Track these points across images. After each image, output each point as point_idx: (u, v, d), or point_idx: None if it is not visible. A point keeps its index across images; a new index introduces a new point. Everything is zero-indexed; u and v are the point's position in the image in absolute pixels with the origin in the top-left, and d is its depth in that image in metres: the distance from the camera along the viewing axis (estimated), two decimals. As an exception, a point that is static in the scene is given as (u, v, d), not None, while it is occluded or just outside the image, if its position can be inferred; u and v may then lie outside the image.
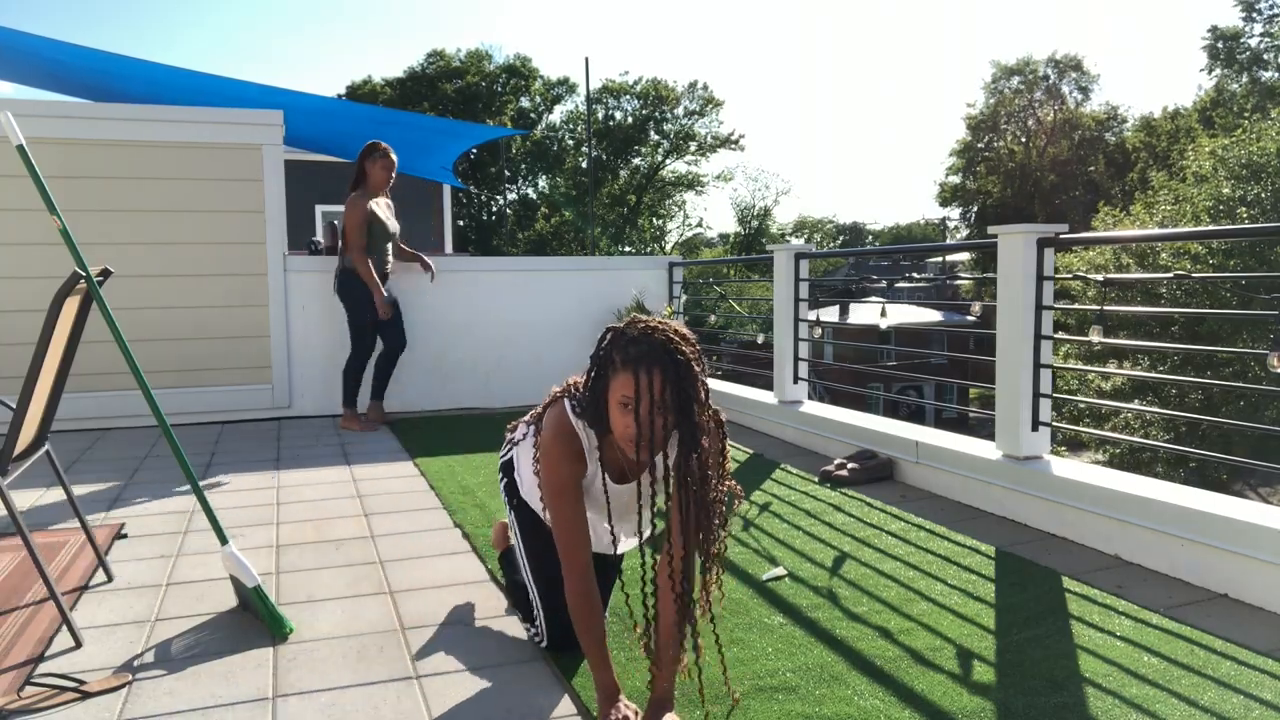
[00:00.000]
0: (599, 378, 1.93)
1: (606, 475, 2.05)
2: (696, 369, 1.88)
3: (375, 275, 5.27)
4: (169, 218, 5.66)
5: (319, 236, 9.41)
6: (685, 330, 1.93)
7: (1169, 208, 18.66)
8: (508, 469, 2.45)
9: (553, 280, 6.60)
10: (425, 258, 5.77)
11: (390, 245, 5.49)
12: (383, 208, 5.38)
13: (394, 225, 5.49)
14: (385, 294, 5.34)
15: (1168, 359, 15.03)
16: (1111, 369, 15.46)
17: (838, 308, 24.82)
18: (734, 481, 2.02)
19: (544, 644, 2.28)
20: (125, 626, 2.49)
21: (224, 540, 2.54)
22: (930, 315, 28.16)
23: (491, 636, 2.42)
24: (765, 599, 2.66)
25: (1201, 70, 36.95)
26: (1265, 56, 29.59)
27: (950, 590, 2.72)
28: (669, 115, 37.84)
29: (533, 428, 2.29)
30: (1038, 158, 37.90)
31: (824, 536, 3.24)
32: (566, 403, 2.07)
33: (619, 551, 2.23)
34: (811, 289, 5.38)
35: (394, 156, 5.40)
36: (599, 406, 1.93)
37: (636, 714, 1.89)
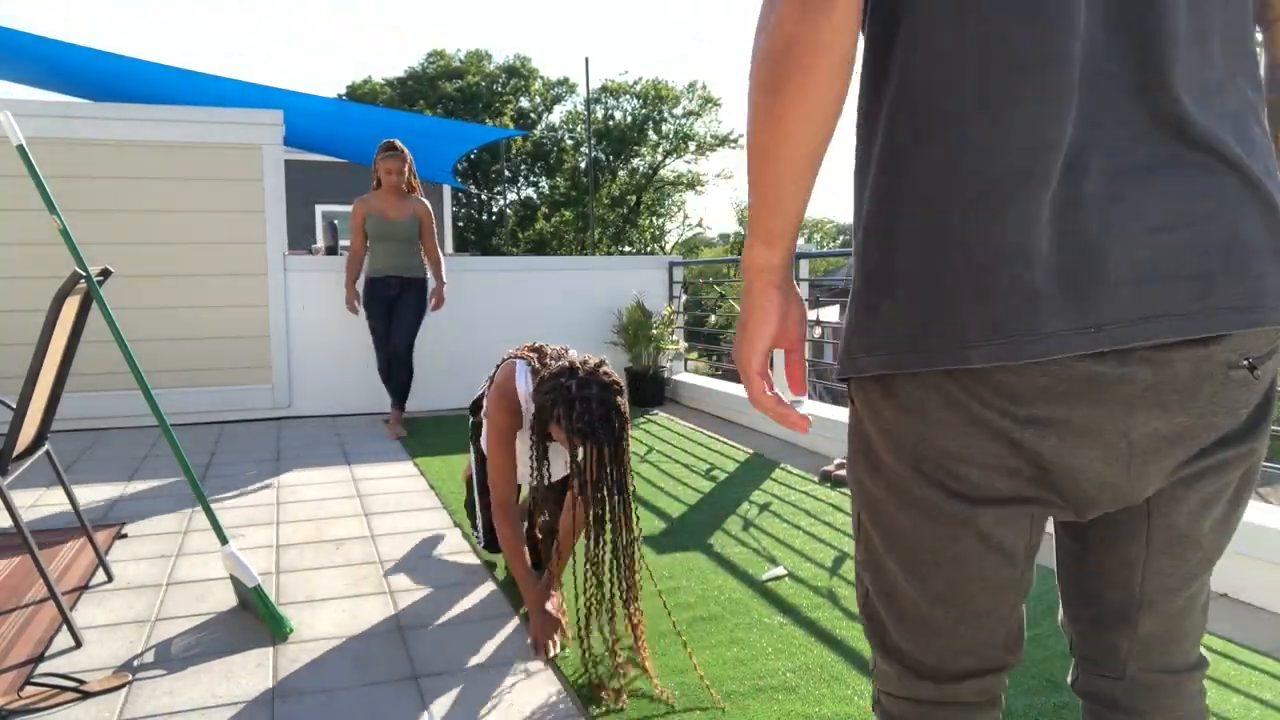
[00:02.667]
0: (541, 417, 2.27)
1: (535, 434, 2.34)
2: (627, 420, 2.25)
3: (352, 272, 5.18)
4: (169, 218, 5.66)
5: (319, 240, 9.41)
6: (615, 376, 2.31)
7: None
8: (476, 409, 2.87)
9: (553, 280, 6.60)
10: (443, 282, 5.33)
11: (393, 244, 5.14)
12: (390, 204, 5.13)
13: (398, 224, 5.12)
14: (379, 292, 5.15)
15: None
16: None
17: (838, 308, 24.83)
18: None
19: (483, 545, 2.93)
20: (125, 626, 2.49)
21: (224, 540, 2.54)
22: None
23: (491, 636, 2.42)
24: (765, 599, 2.66)
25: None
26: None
27: (950, 590, 2.71)
28: (668, 115, 37.88)
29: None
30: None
31: (824, 536, 3.24)
32: (518, 364, 2.52)
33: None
34: (811, 289, 5.38)
35: (401, 153, 5.15)
36: (542, 428, 2.30)
37: (562, 618, 2.42)
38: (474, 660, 2.27)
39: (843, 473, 4.04)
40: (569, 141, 36.50)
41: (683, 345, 6.93)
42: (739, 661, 2.24)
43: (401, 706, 2.04)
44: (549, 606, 2.44)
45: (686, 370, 7.21)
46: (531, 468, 2.32)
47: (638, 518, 2.27)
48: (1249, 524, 2.60)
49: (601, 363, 2.34)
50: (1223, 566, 2.66)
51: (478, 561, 3.01)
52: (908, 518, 0.92)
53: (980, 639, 0.96)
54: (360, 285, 5.26)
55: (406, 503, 3.78)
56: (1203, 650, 1.03)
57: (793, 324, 0.97)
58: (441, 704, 2.05)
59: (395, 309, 5.22)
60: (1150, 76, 0.81)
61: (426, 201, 5.28)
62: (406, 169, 5.16)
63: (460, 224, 32.22)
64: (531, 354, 2.54)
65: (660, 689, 2.10)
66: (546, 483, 2.35)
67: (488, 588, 2.78)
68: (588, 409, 2.18)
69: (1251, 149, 0.84)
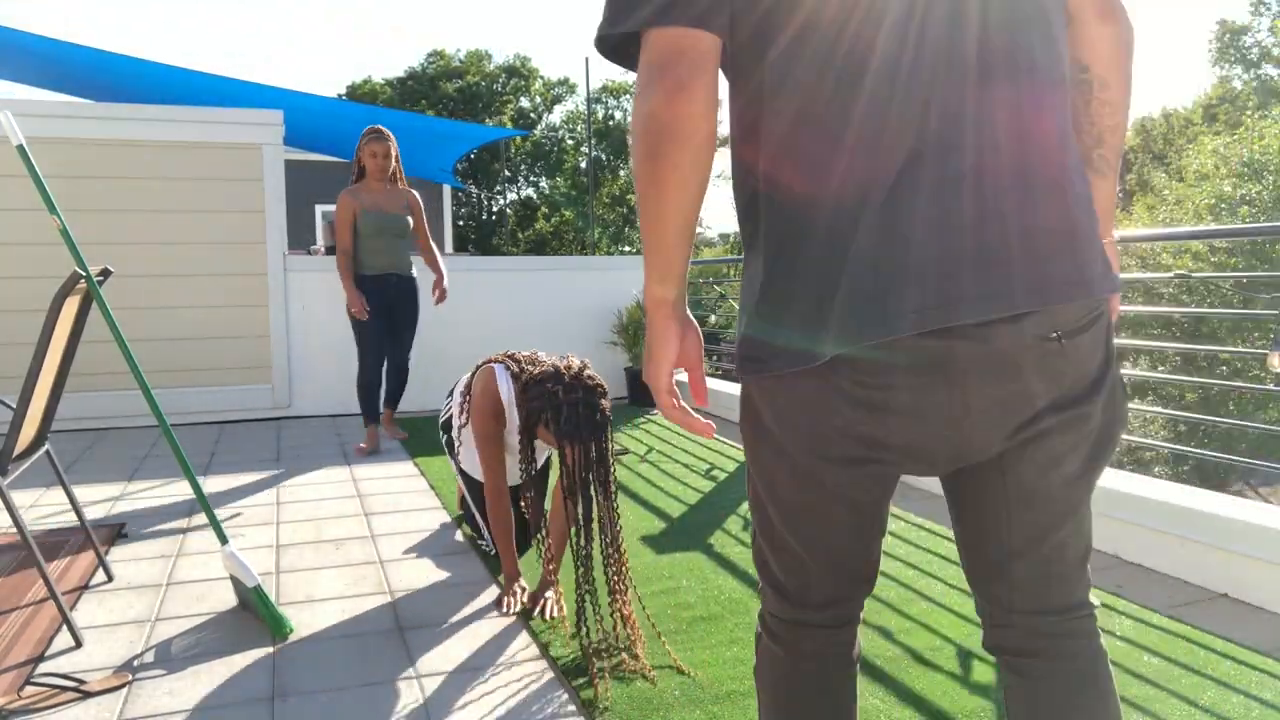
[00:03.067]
0: (530, 421, 2.46)
1: (523, 435, 2.51)
2: (609, 420, 2.43)
3: (348, 272, 4.63)
4: (169, 218, 5.67)
5: (319, 240, 9.40)
6: (598, 379, 2.48)
7: (1170, 207, 18.67)
8: (447, 428, 3.12)
9: (553, 280, 6.60)
10: (442, 274, 4.86)
11: (391, 239, 4.71)
12: (383, 196, 4.69)
13: (396, 218, 4.71)
14: (377, 292, 4.68)
15: (1168, 359, 15.04)
16: (1111, 369, 15.46)
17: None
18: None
19: (491, 551, 3.00)
20: (125, 626, 2.49)
21: (224, 540, 2.54)
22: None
23: (491, 636, 2.42)
24: (765, 599, 2.65)
25: (1208, 62, 36.96)
26: (1274, 53, 29.61)
27: (950, 590, 2.72)
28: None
29: (464, 395, 2.90)
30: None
31: (824, 536, 3.24)
32: (497, 369, 2.69)
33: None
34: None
35: (388, 138, 4.68)
36: (530, 431, 2.47)
37: (524, 589, 2.63)
38: (474, 660, 2.27)
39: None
40: (569, 141, 36.48)
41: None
42: (739, 661, 2.24)
43: (401, 706, 2.04)
44: (548, 594, 2.59)
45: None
46: (521, 466, 2.51)
47: (619, 512, 2.41)
48: (1249, 524, 2.60)
49: (585, 366, 2.52)
50: (1223, 567, 2.66)
51: (478, 561, 3.01)
52: (781, 473, 1.12)
53: (834, 574, 1.16)
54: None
55: (406, 503, 3.78)
56: (1092, 598, 1.15)
57: (690, 347, 1.14)
58: (441, 704, 2.05)
59: (394, 315, 4.80)
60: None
61: (415, 193, 4.86)
62: (393, 155, 4.69)
63: (460, 223, 32.20)
64: (508, 359, 2.72)
65: (649, 670, 2.18)
66: (532, 474, 2.53)
67: (488, 587, 2.78)
68: (574, 413, 2.36)
69: (1047, 155, 1.01)
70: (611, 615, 2.32)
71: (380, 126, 4.72)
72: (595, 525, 2.36)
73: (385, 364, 4.88)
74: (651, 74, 1.02)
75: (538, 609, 2.53)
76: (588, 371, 2.49)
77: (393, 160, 4.71)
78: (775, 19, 1.00)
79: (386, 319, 4.79)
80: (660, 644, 2.33)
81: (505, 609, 2.58)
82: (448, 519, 3.52)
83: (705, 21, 1.00)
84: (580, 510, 2.33)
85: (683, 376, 1.19)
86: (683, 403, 1.15)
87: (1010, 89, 0.99)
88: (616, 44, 1.08)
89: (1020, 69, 1.00)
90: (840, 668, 1.20)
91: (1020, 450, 1.07)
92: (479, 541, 3.13)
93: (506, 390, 2.66)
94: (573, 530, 2.35)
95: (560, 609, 2.54)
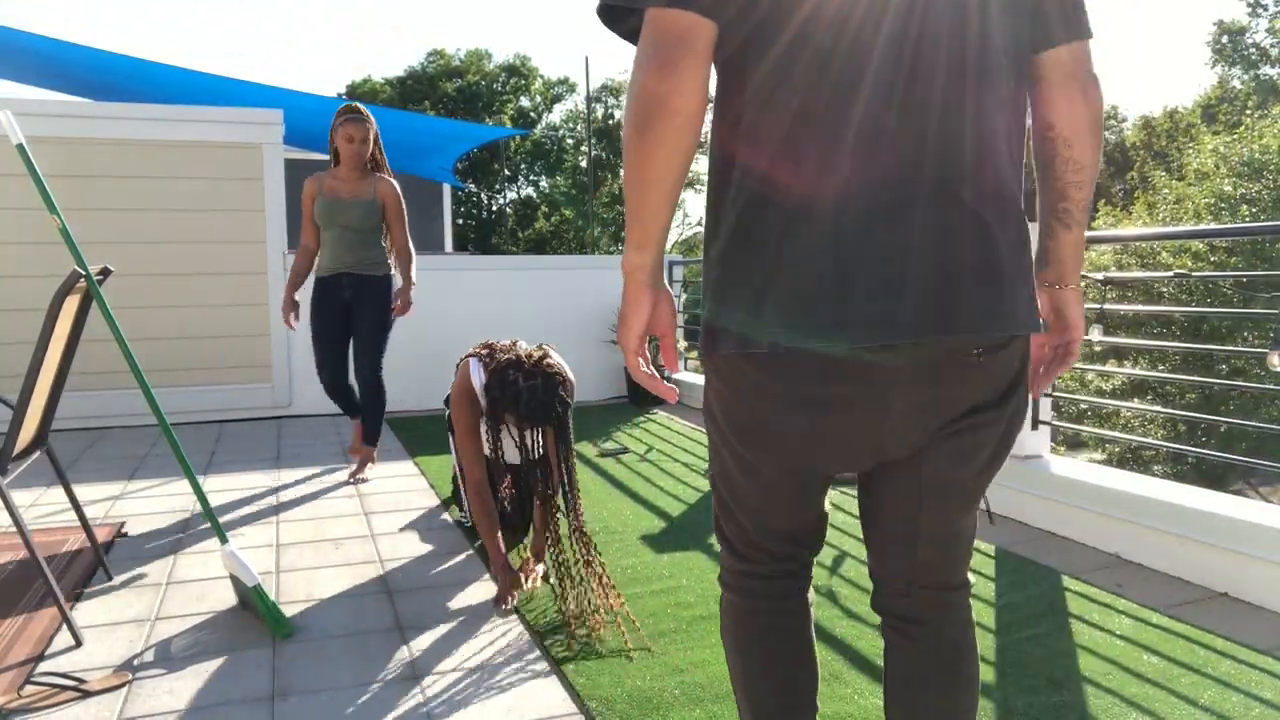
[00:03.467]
0: (494, 409, 2.64)
1: (489, 422, 2.70)
2: (569, 405, 2.63)
3: (297, 273, 4.10)
4: (169, 217, 5.66)
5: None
6: (557, 366, 2.67)
7: (1170, 206, 18.66)
8: (448, 403, 3.14)
9: (553, 279, 6.60)
10: (410, 282, 4.09)
11: (342, 231, 3.99)
12: (345, 182, 3.99)
13: (350, 206, 3.96)
14: (329, 294, 4.04)
15: (1168, 358, 15.03)
16: (1111, 368, 15.45)
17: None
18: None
19: (468, 524, 3.25)
20: (125, 626, 2.49)
21: (224, 539, 2.54)
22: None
23: (491, 636, 2.42)
24: (765, 598, 2.65)
25: (1205, 64, 36.95)
26: (1272, 53, 29.60)
27: (950, 589, 2.72)
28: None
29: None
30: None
31: (824, 536, 3.24)
32: (472, 362, 2.81)
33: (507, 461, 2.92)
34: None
35: (365, 118, 3.98)
36: (496, 416, 2.66)
37: (517, 578, 2.68)
38: (475, 660, 2.27)
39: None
40: (569, 141, 36.46)
41: (683, 344, 6.92)
42: (739, 661, 2.23)
43: (401, 706, 2.04)
44: (530, 574, 2.75)
45: (686, 370, 7.21)
46: (489, 450, 2.73)
47: (579, 491, 2.67)
48: (1249, 523, 2.60)
49: (545, 355, 2.71)
50: (1222, 566, 2.66)
51: (479, 561, 3.01)
52: (732, 457, 1.26)
53: (778, 538, 1.31)
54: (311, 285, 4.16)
55: (406, 502, 3.78)
56: (969, 575, 1.31)
57: (662, 314, 1.23)
58: (441, 703, 2.05)
59: (353, 319, 4.09)
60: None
61: (394, 182, 4.09)
62: (371, 138, 3.97)
63: (460, 223, 32.19)
64: (483, 351, 2.85)
65: (636, 640, 2.36)
66: (503, 461, 2.76)
67: (488, 587, 2.78)
68: (534, 397, 2.58)
69: (981, 195, 1.10)
70: (584, 581, 2.52)
71: (358, 105, 4.05)
72: (561, 500, 2.61)
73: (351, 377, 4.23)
74: (650, 51, 1.09)
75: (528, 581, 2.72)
76: (548, 359, 2.68)
77: (370, 144, 3.98)
78: (772, 23, 1.08)
79: (342, 326, 4.09)
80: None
81: (504, 605, 2.60)
82: (448, 518, 3.52)
83: (710, 11, 1.08)
84: (542, 488, 2.59)
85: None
86: (650, 367, 1.25)
87: (969, 134, 1.10)
88: (621, 13, 1.16)
89: (975, 115, 1.10)
90: (788, 611, 1.34)
91: (937, 448, 1.19)
92: (464, 520, 3.35)
93: (479, 381, 2.78)
94: (536, 505, 2.67)
95: (534, 582, 2.72)
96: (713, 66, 1.13)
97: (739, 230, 1.14)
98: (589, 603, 2.47)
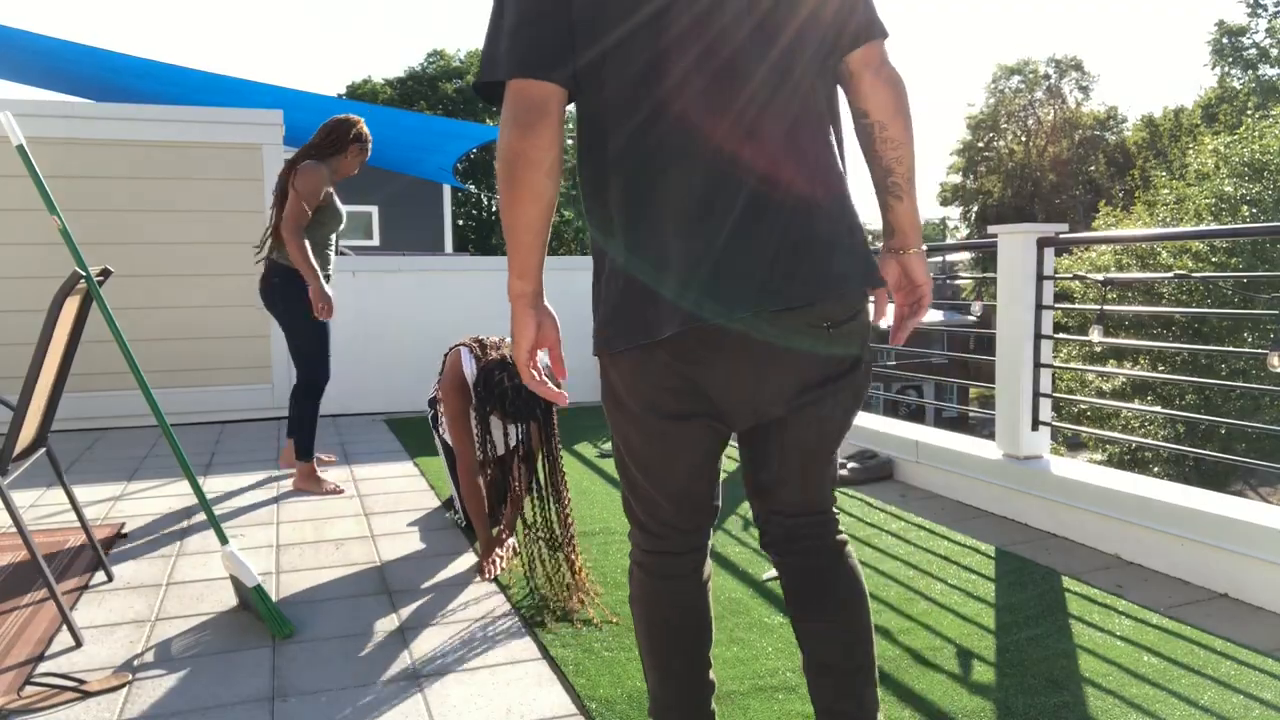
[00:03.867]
0: (482, 409, 2.83)
1: (478, 417, 2.87)
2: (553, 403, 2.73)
3: (313, 261, 3.75)
4: (169, 218, 5.66)
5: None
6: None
7: (1170, 206, 18.65)
8: (432, 404, 3.34)
9: (552, 279, 6.41)
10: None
11: (336, 240, 4.01)
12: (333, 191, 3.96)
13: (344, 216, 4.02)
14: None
15: (1168, 358, 15.03)
16: (1111, 369, 15.45)
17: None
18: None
19: (462, 524, 3.35)
20: (125, 626, 2.49)
21: (224, 540, 2.54)
22: (930, 315, 28.12)
23: (491, 636, 2.42)
24: (765, 599, 2.66)
25: (1205, 65, 36.95)
26: (1272, 53, 29.59)
27: (950, 590, 2.72)
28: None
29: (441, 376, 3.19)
30: (1038, 157, 37.89)
31: (824, 536, 3.24)
32: (463, 351, 2.98)
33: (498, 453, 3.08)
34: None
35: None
36: (484, 414, 2.83)
37: (502, 556, 2.91)
38: (475, 660, 2.27)
39: (843, 472, 4.04)
40: (569, 141, 36.43)
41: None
42: (739, 661, 2.24)
43: (401, 706, 2.04)
44: (500, 550, 2.95)
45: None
46: (478, 447, 2.87)
47: (565, 477, 2.82)
48: (1249, 524, 2.60)
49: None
50: (1223, 567, 2.66)
51: (477, 561, 3.01)
52: (633, 430, 1.44)
53: (681, 507, 1.49)
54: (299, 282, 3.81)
55: (406, 503, 3.78)
56: (835, 510, 1.54)
57: (547, 331, 1.42)
58: (441, 703, 2.05)
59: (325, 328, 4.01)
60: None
61: None
62: None
63: (460, 223, 32.17)
64: (474, 343, 3.01)
65: (600, 614, 2.52)
66: (490, 452, 2.89)
67: (488, 587, 2.78)
68: (518, 398, 2.77)
69: (802, 183, 1.32)
70: (561, 568, 2.68)
71: (368, 132, 4.01)
72: (548, 490, 2.78)
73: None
74: (511, 115, 1.29)
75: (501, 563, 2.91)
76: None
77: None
78: (601, 68, 1.31)
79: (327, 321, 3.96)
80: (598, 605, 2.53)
81: (485, 576, 2.83)
82: (448, 519, 3.51)
83: (550, 74, 1.29)
84: (526, 479, 2.82)
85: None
86: (542, 375, 1.44)
87: (781, 132, 1.31)
88: (487, 90, 1.35)
89: (786, 116, 1.32)
90: (691, 585, 1.55)
91: (800, 407, 1.41)
92: (454, 515, 3.43)
93: (470, 371, 2.94)
94: (527, 497, 2.83)
95: (505, 565, 2.90)
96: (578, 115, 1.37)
97: (615, 246, 1.36)
98: (561, 585, 2.64)
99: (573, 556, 2.69)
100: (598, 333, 1.41)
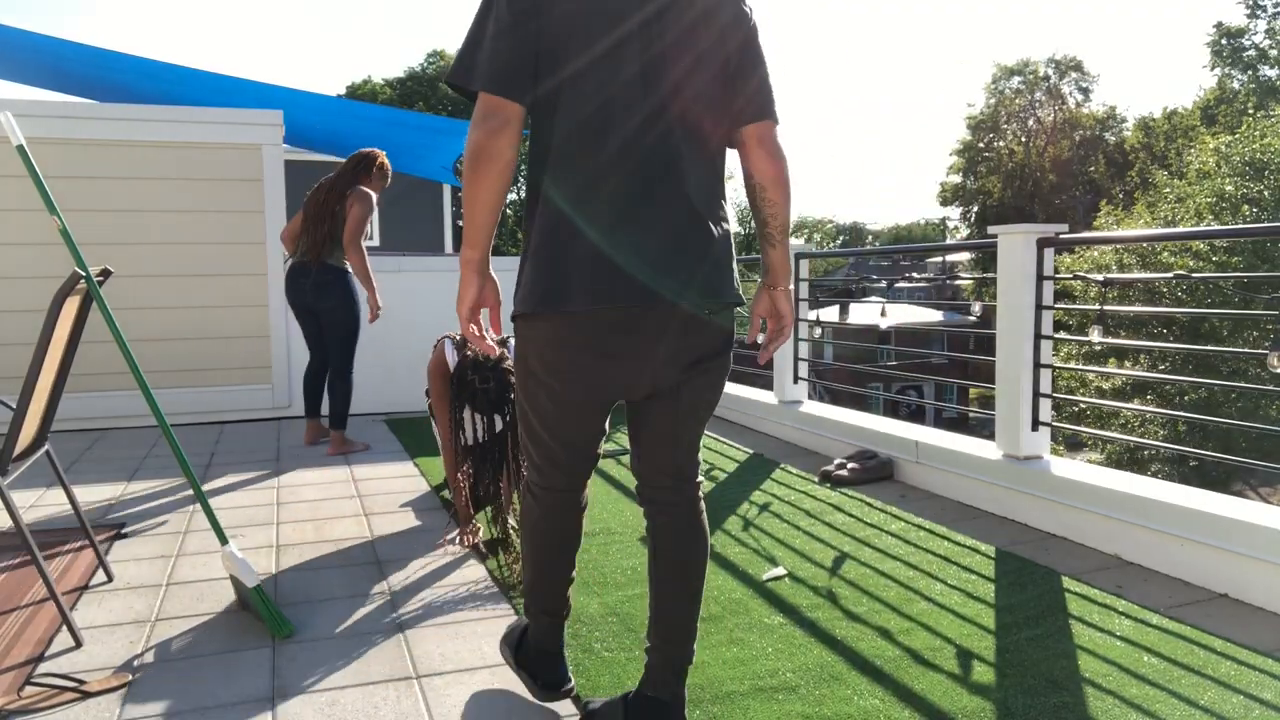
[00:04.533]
0: (455, 407, 3.14)
1: (453, 410, 3.17)
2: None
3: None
4: (169, 218, 5.66)
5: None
6: (510, 363, 3.11)
7: (1170, 206, 18.64)
8: (429, 394, 3.53)
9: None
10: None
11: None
12: None
13: None
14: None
15: (1168, 358, 15.03)
16: (1111, 369, 15.44)
17: (838, 308, 24.80)
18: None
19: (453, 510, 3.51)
20: (125, 626, 2.49)
21: (224, 540, 2.54)
22: (930, 315, 28.13)
23: (492, 636, 2.42)
24: (765, 599, 2.66)
25: (1204, 67, 36.96)
26: (1271, 54, 29.58)
27: (950, 590, 2.72)
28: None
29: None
30: (1038, 157, 37.88)
31: (824, 536, 3.24)
32: (446, 343, 3.33)
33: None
34: (811, 289, 5.39)
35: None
36: (457, 410, 3.15)
37: (477, 529, 3.21)
38: (475, 660, 2.27)
39: (843, 473, 4.04)
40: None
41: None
42: (739, 661, 2.24)
43: (402, 707, 2.04)
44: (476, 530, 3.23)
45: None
46: (453, 438, 3.16)
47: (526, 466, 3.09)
48: (1249, 524, 2.60)
49: (504, 358, 3.16)
50: (1223, 567, 2.66)
51: (477, 561, 3.01)
52: (546, 393, 1.77)
53: (572, 457, 1.86)
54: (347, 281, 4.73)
55: (406, 503, 3.77)
56: (700, 479, 1.91)
57: (488, 293, 1.73)
58: (441, 704, 2.05)
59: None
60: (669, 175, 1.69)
61: None
62: None
63: (460, 223, 32.15)
64: (457, 336, 3.32)
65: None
66: (466, 443, 3.18)
67: (488, 587, 2.78)
68: (487, 398, 3.10)
69: (703, 213, 1.70)
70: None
71: (389, 164, 4.85)
72: (509, 473, 3.13)
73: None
74: (481, 117, 1.63)
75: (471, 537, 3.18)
76: (506, 362, 3.13)
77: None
78: (554, 97, 1.66)
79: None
80: None
81: (457, 542, 3.16)
82: (449, 519, 3.52)
83: (514, 95, 1.63)
84: (495, 461, 3.17)
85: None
86: (481, 330, 1.75)
87: (689, 172, 1.70)
88: (458, 87, 1.69)
89: (685, 158, 1.69)
90: (571, 513, 1.93)
91: (686, 381, 1.76)
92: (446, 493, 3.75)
93: (452, 360, 3.26)
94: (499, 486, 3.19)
95: (473, 539, 3.17)
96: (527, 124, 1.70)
97: (547, 235, 1.67)
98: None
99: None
100: (521, 301, 1.70)
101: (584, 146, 1.65)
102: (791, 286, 1.89)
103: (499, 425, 3.18)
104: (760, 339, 1.91)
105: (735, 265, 1.77)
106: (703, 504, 1.90)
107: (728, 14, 1.73)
